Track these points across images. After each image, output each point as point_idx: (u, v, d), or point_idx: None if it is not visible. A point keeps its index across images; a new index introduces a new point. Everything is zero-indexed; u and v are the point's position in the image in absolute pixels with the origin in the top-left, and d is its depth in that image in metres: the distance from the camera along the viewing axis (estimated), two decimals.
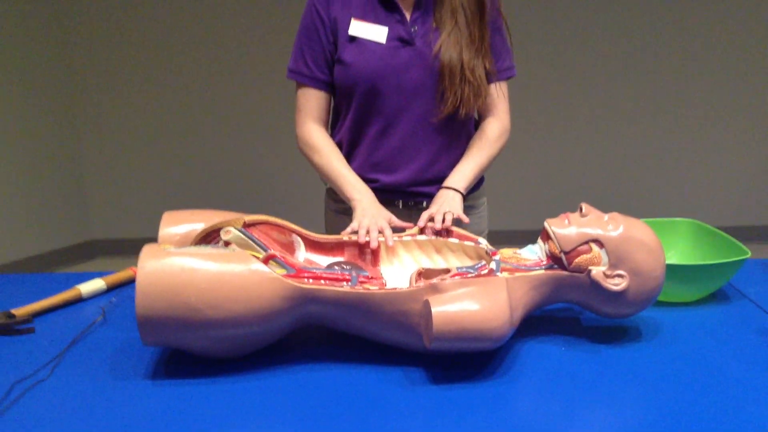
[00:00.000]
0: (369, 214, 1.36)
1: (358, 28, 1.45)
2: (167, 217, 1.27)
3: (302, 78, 1.52)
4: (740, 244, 1.39)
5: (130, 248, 3.70)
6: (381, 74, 1.44)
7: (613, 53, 3.62)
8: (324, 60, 1.50)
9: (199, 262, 1.07)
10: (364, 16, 1.46)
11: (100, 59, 3.46)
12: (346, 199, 1.46)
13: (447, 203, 1.42)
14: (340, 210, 1.59)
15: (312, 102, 1.53)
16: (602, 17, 3.56)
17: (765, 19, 3.59)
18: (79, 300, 1.37)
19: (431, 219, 1.35)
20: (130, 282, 1.47)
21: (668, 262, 1.29)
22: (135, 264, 1.34)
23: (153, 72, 3.51)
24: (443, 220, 1.33)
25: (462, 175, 1.49)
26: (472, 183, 1.50)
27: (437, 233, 1.34)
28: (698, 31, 3.60)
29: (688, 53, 3.64)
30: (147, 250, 1.09)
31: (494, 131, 1.55)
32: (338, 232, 1.35)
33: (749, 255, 1.34)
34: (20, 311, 1.28)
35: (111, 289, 1.43)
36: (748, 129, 3.79)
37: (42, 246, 3.49)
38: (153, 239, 3.71)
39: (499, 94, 1.56)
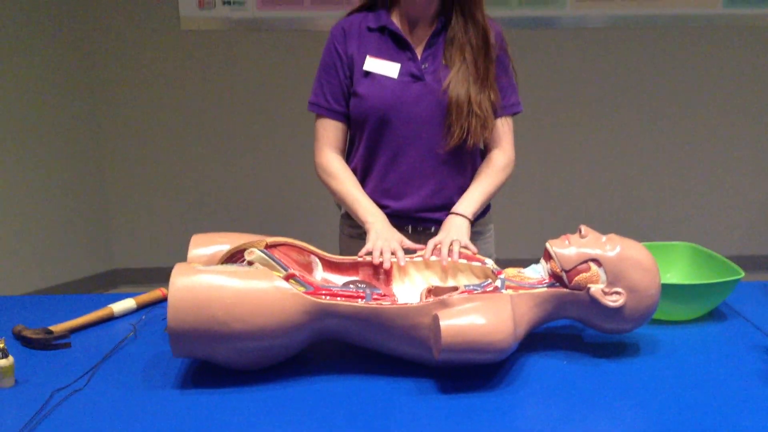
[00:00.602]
0: (382, 237, 1.45)
1: (373, 64, 1.55)
2: (196, 239, 1.36)
3: (321, 110, 1.63)
4: (735, 265, 1.46)
5: (151, 277, 3.80)
6: (392, 107, 1.54)
7: (615, 87, 3.72)
8: (341, 93, 1.60)
9: (225, 279, 1.16)
10: (379, 54, 1.56)
11: (125, 89, 3.60)
12: (361, 222, 1.55)
13: (454, 230, 1.49)
14: (354, 234, 1.68)
15: (330, 132, 1.63)
16: (604, 53, 3.66)
17: (765, 54, 3.69)
18: (112, 318, 1.46)
19: (437, 248, 1.43)
20: (159, 302, 1.55)
21: (666, 282, 1.36)
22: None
23: (176, 103, 3.63)
24: (450, 251, 1.40)
25: (470, 201, 1.58)
26: (479, 209, 1.58)
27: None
28: (699, 64, 3.69)
29: (690, 86, 3.73)
30: (178, 268, 1.18)
31: (500, 161, 1.64)
32: (353, 255, 1.44)
33: (743, 275, 1.41)
34: (57, 328, 1.37)
35: (141, 308, 1.52)
36: (750, 160, 3.85)
37: (65, 275, 3.60)
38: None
39: (505, 128, 1.65)
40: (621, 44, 3.66)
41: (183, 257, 3.79)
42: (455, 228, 1.51)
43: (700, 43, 3.66)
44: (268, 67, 3.59)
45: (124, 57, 3.55)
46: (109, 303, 1.49)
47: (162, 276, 3.77)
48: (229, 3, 3.47)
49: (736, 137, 3.81)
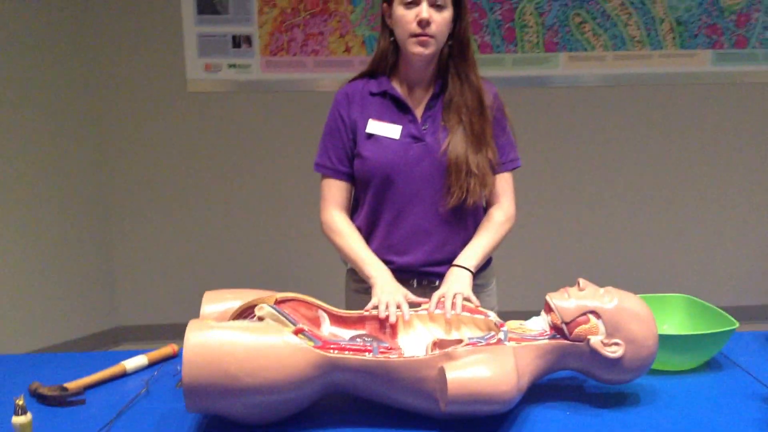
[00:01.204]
0: (387, 291, 1.50)
1: (375, 127, 1.63)
2: (208, 295, 1.41)
3: (326, 170, 1.71)
4: (729, 316, 1.50)
5: (154, 334, 3.81)
6: (395, 167, 1.61)
7: (609, 143, 3.81)
8: (345, 155, 1.68)
9: (238, 335, 1.20)
10: (381, 117, 1.64)
11: (132, 148, 3.68)
12: (365, 277, 1.60)
13: (457, 283, 1.55)
14: (360, 289, 1.73)
15: (334, 191, 1.70)
16: (597, 110, 3.77)
17: (756, 112, 3.80)
18: (124, 374, 1.50)
19: (441, 302, 1.47)
20: (170, 358, 1.59)
21: (663, 333, 1.40)
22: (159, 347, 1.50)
23: (181, 162, 3.71)
24: (454, 304, 1.45)
25: (471, 253, 1.63)
26: (480, 262, 1.64)
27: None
28: (690, 120, 3.80)
29: (681, 141, 3.82)
30: (192, 324, 1.22)
31: (500, 216, 1.70)
32: (359, 309, 1.48)
33: (737, 326, 1.46)
34: (72, 385, 1.40)
35: (152, 364, 1.55)
36: (741, 214, 3.92)
37: (69, 333, 3.61)
38: (177, 325, 3.83)
39: (504, 183, 1.72)
40: (613, 101, 3.77)
41: (186, 315, 3.82)
42: (457, 280, 1.56)
43: (690, 100, 3.78)
44: (272, 126, 3.69)
45: (131, 117, 3.64)
46: (121, 360, 1.52)
47: (166, 333, 3.80)
48: (234, 66, 3.59)
49: (728, 191, 3.89)
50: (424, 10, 1.53)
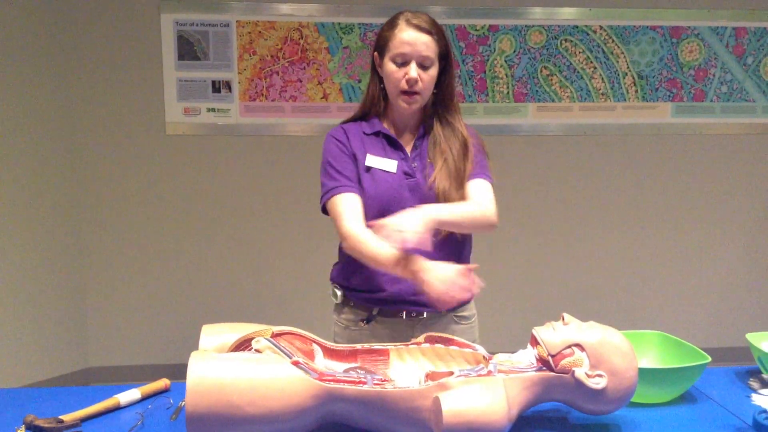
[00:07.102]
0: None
1: (374, 161, 1.72)
2: (206, 328, 1.44)
3: (339, 189, 1.68)
4: (701, 351, 1.59)
5: (125, 375, 3.77)
6: (390, 199, 1.68)
7: (579, 192, 3.95)
8: (352, 173, 1.70)
9: (240, 365, 1.23)
10: (377, 152, 1.74)
11: (108, 189, 3.68)
12: (393, 264, 1.55)
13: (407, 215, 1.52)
14: (344, 325, 1.80)
15: (349, 203, 1.67)
16: (567, 160, 3.92)
17: (714, 161, 3.99)
18: (118, 408, 1.51)
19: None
20: (163, 392, 1.61)
21: (641, 367, 1.48)
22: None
23: (157, 204, 3.72)
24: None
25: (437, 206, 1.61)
26: (444, 219, 1.59)
27: (437, 341, 1.53)
28: (654, 170, 3.97)
29: (645, 191, 3.99)
30: (195, 355, 1.25)
31: (477, 203, 1.69)
32: (345, 342, 1.51)
33: (709, 360, 1.54)
34: (68, 417, 1.41)
35: (145, 398, 1.57)
36: (707, 262, 4.08)
37: (38, 374, 3.55)
38: (149, 366, 3.80)
39: (481, 188, 1.72)
40: (579, 150, 3.93)
41: (157, 356, 3.80)
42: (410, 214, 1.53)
43: (651, 149, 3.95)
44: (249, 169, 3.74)
45: (108, 156, 3.66)
46: (113, 394, 1.54)
47: (135, 374, 3.76)
48: (213, 110, 3.65)
49: (690, 235, 4.05)
50: (413, 70, 1.65)
